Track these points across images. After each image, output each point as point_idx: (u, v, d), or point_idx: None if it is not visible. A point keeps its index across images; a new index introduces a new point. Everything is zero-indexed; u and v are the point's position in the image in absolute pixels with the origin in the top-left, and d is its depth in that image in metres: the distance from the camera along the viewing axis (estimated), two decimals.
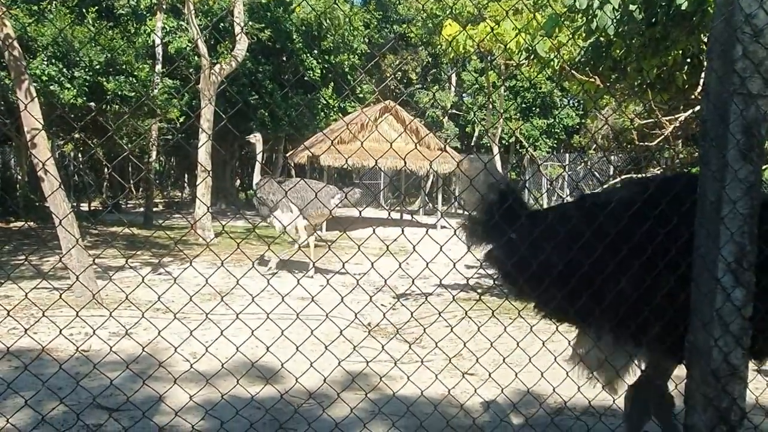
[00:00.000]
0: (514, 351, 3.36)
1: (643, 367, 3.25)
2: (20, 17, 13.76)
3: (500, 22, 8.85)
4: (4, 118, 15.03)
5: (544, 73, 14.13)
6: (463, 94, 35.29)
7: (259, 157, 11.58)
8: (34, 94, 8.06)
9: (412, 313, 2.99)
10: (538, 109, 31.08)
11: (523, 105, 30.92)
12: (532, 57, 7.59)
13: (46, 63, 13.88)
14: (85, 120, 11.16)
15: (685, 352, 2.84)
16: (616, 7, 6.40)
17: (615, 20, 6.43)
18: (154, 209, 20.71)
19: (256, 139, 11.47)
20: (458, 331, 5.34)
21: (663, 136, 7.41)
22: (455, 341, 5.47)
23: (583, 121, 29.97)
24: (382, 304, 8.38)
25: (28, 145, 7.84)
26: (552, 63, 8.36)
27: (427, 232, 2.60)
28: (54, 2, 15.77)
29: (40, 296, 7.86)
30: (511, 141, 31.14)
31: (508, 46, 7.94)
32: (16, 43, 7.94)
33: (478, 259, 3.19)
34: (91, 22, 15.83)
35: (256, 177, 11.58)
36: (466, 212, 3.23)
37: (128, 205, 27.29)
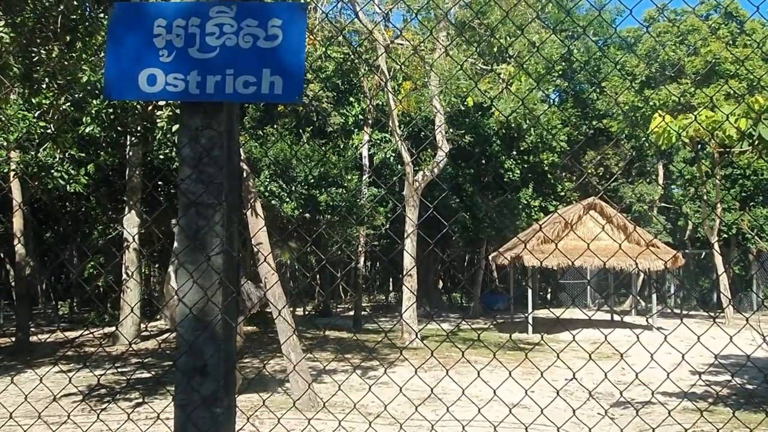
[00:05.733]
0: None
1: None
2: (247, 141, 15.40)
3: (715, 109, 8.34)
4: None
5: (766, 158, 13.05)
6: (672, 186, 33.39)
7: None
8: (260, 211, 8.83)
9: (654, 429, 2.71)
10: (761, 197, 28.48)
11: (743, 194, 28.51)
12: (756, 142, 7.02)
13: (268, 180, 15.29)
14: (300, 229, 11.99)
15: None
16: None
17: None
18: (362, 312, 21.41)
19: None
20: None
21: None
22: None
23: None
24: (598, 413, 7.84)
25: (253, 255, 8.53)
26: None
27: (668, 338, 2.38)
28: (275, 126, 17.49)
29: (255, 397, 8.28)
30: (731, 233, 28.61)
31: (727, 133, 7.42)
32: (245, 165, 8.83)
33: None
34: (305, 140, 17.27)
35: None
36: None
37: (338, 309, 28.47)
